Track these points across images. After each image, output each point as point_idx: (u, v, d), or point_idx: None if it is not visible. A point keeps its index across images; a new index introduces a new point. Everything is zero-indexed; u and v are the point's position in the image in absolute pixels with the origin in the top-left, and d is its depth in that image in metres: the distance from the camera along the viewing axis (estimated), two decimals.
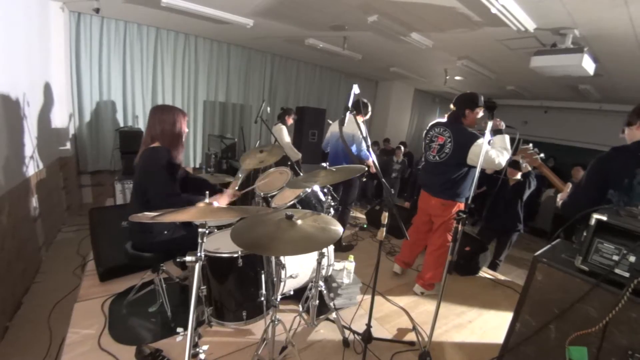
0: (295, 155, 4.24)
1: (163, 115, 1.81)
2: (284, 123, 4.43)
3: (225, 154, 4.35)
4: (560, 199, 1.68)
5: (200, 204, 1.24)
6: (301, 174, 2.54)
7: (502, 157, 2.09)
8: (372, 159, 1.71)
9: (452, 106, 2.34)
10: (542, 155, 1.92)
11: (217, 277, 1.90)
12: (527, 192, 3.26)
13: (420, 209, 2.63)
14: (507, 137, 2.15)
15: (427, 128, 2.53)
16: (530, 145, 1.94)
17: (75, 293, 2.22)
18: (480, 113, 2.25)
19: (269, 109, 4.89)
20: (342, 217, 3.23)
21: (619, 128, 1.53)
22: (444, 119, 2.46)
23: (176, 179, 1.87)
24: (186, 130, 1.90)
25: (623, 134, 1.52)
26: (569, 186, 1.70)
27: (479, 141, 2.11)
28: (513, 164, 3.27)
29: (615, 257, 1.11)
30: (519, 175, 3.26)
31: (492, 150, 2.10)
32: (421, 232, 2.68)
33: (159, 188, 1.72)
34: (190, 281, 1.96)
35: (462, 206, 2.34)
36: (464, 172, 2.26)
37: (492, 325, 2.31)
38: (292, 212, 1.37)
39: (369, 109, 3.04)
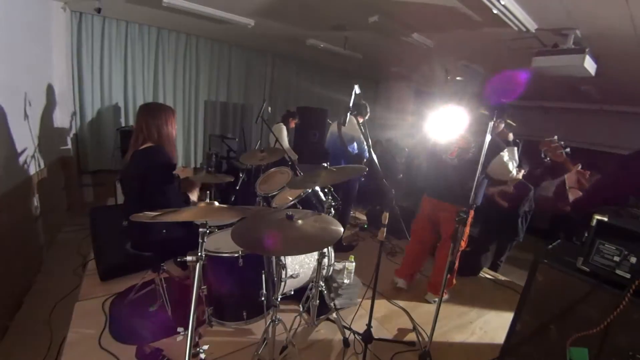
0: (293, 155, 4.25)
1: (155, 114, 1.80)
2: (286, 124, 4.46)
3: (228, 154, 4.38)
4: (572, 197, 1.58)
5: (202, 204, 1.24)
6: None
7: (515, 170, 2.10)
8: (373, 159, 1.70)
9: (483, 111, 2.24)
10: (568, 149, 1.72)
11: (218, 276, 1.90)
12: (522, 209, 3.18)
13: (425, 216, 2.44)
14: (515, 149, 2.13)
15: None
16: (555, 137, 1.77)
17: (76, 292, 2.22)
18: (502, 126, 2.28)
19: (269, 109, 4.90)
20: (342, 217, 3.23)
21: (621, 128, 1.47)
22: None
23: (174, 177, 1.87)
24: (175, 128, 1.91)
25: None
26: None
27: (503, 152, 2.08)
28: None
29: (617, 258, 1.11)
30: (520, 175, 3.22)
31: (510, 161, 2.09)
32: (425, 243, 2.53)
33: (162, 185, 1.72)
34: (190, 281, 1.96)
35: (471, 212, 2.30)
36: (481, 179, 2.16)
37: (492, 325, 2.31)
38: (292, 212, 1.37)
39: (368, 109, 3.05)
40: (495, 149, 2.08)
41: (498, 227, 3.42)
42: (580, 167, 1.67)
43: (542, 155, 1.80)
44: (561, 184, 1.89)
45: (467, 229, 2.27)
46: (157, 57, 4.70)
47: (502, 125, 2.30)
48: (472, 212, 2.19)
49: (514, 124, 2.32)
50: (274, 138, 3.29)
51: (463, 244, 2.30)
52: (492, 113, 1.74)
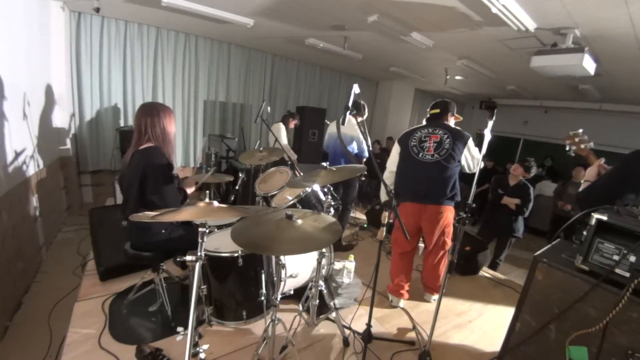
0: (292, 155, 4.26)
1: (154, 114, 1.80)
2: (286, 125, 4.46)
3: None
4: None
5: (201, 204, 1.24)
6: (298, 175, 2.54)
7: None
8: (371, 158, 1.70)
9: (435, 110, 2.31)
10: (591, 143, 1.72)
11: (217, 276, 1.90)
12: (527, 209, 3.19)
13: (407, 222, 2.23)
14: (470, 139, 2.23)
15: (405, 134, 2.35)
16: (581, 130, 1.73)
17: (76, 292, 2.22)
18: (452, 120, 2.34)
19: (269, 108, 4.90)
20: (342, 217, 3.23)
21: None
22: (423, 124, 2.37)
23: (174, 177, 1.87)
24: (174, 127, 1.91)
25: None
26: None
27: (471, 140, 2.20)
28: (522, 161, 3.23)
29: (616, 257, 1.11)
30: (520, 176, 3.23)
31: (477, 151, 2.18)
32: (409, 253, 2.41)
33: (160, 186, 1.72)
34: (190, 281, 1.96)
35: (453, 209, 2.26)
36: (457, 171, 2.21)
37: (492, 325, 2.31)
38: (292, 212, 1.37)
39: (366, 109, 3.06)
40: (464, 138, 2.18)
41: (497, 225, 3.43)
42: (603, 161, 1.65)
43: (567, 149, 1.81)
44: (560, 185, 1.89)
45: (451, 229, 2.27)
46: (156, 57, 4.69)
47: (452, 120, 2.33)
48: (454, 209, 2.25)
49: (461, 118, 2.41)
50: (273, 138, 3.30)
51: (450, 242, 2.29)
52: (491, 112, 1.74)
